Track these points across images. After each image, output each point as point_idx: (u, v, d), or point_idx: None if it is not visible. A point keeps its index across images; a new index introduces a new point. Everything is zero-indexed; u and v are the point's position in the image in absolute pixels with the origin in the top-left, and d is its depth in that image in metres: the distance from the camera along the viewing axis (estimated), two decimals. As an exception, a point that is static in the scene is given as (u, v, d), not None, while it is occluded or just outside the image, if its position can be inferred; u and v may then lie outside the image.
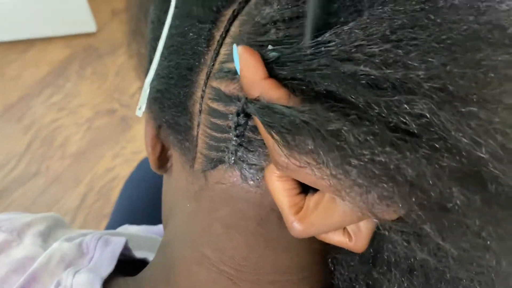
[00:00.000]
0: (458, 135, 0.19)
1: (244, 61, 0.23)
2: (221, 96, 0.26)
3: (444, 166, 0.19)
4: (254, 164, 0.27)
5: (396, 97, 0.20)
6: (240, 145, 0.26)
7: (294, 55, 0.23)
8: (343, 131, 0.20)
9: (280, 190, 0.24)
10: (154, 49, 0.31)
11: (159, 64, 0.30)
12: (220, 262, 0.28)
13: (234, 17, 0.26)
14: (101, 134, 1.46)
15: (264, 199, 0.27)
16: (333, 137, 0.20)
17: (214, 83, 0.27)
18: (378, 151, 0.19)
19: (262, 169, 0.27)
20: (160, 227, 0.54)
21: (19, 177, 1.37)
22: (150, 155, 0.32)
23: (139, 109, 0.31)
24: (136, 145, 1.42)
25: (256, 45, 0.25)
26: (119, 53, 1.67)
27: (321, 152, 0.20)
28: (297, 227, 0.23)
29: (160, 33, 0.29)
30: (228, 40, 0.26)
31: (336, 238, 0.25)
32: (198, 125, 0.28)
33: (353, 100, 0.21)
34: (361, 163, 0.20)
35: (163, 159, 0.33)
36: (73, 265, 0.31)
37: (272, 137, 0.22)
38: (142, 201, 0.67)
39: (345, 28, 0.22)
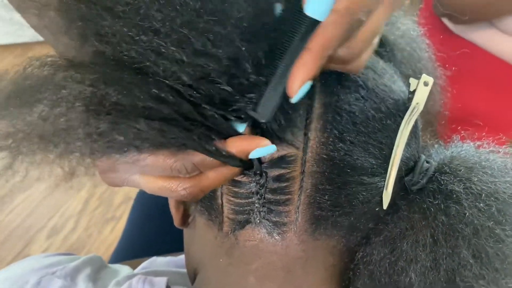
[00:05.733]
0: None
1: None
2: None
3: None
4: (277, 221, 0.30)
5: None
6: (263, 205, 0.30)
7: None
8: None
9: None
10: None
11: None
12: None
13: None
14: (102, 140, 1.48)
15: (289, 250, 0.31)
16: None
17: None
18: None
19: (284, 224, 0.30)
20: (183, 257, 0.59)
21: (22, 182, 1.38)
22: (174, 215, 0.35)
23: None
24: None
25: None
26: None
27: None
28: None
29: None
30: None
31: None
32: (222, 195, 0.31)
33: None
34: None
35: (186, 216, 0.36)
36: None
37: None
38: (153, 222, 0.71)
39: None
